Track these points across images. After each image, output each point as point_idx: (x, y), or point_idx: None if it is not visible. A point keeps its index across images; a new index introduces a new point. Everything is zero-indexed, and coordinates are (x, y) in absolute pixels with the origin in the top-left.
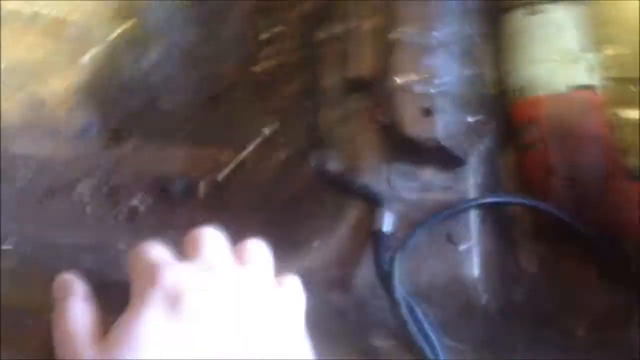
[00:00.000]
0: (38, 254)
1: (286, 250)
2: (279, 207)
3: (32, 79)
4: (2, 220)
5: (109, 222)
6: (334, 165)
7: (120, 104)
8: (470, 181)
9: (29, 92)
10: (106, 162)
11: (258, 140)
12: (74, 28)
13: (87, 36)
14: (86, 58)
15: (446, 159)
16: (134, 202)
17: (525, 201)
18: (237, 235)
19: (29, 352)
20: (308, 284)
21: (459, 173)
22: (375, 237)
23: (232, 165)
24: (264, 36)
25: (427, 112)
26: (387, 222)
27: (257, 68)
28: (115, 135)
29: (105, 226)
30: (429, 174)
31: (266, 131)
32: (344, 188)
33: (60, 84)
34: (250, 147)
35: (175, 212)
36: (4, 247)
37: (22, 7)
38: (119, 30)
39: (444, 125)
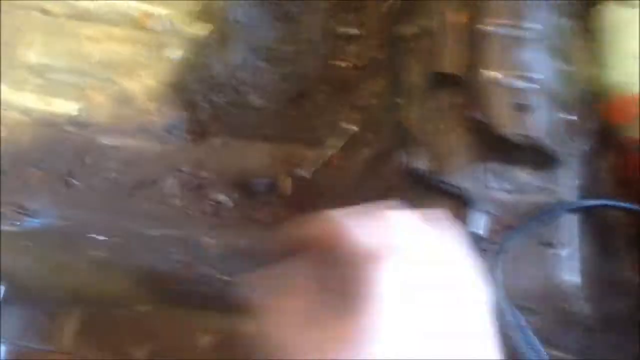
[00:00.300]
0: (127, 245)
1: None
2: (367, 205)
3: (123, 73)
4: (93, 211)
5: (196, 215)
6: (422, 163)
7: (207, 100)
8: (568, 183)
9: (118, 86)
10: (193, 157)
11: (345, 137)
12: (163, 24)
13: (176, 33)
14: (175, 54)
15: (542, 158)
16: (220, 197)
17: (627, 205)
18: None
19: (115, 342)
20: None
21: (556, 174)
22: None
23: (316, 163)
24: (348, 32)
25: (522, 108)
26: (479, 224)
27: (342, 64)
28: (202, 131)
29: (191, 220)
30: (524, 175)
31: (352, 129)
32: (433, 188)
33: (150, 79)
34: (335, 145)
35: (260, 208)
36: (96, 237)
37: (113, 2)
38: (206, 27)
39: (540, 123)
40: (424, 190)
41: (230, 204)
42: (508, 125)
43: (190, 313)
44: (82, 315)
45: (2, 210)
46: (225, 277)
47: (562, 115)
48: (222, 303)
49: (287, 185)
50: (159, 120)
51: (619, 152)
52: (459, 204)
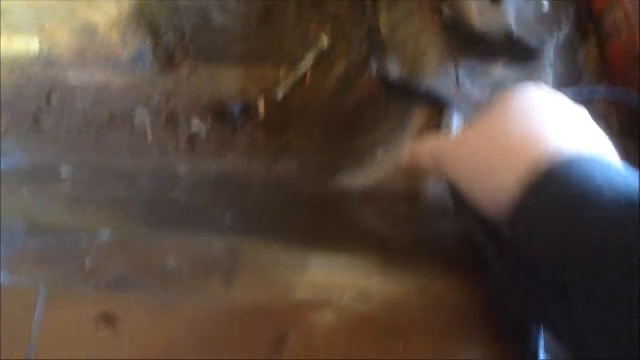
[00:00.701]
0: (96, 178)
1: (349, 164)
2: (341, 121)
3: (83, 5)
4: (62, 150)
5: (170, 147)
6: (396, 70)
7: (171, 26)
8: (548, 75)
9: (80, 19)
10: (163, 88)
11: (315, 53)
12: None
13: None
14: None
15: (520, 51)
16: (194, 129)
17: (611, 93)
18: (300, 150)
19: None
20: (373, 196)
21: (534, 67)
22: None
23: (290, 82)
24: None
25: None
26: (457, 126)
27: None
28: (170, 59)
29: (166, 151)
30: (501, 70)
31: (323, 42)
32: (408, 93)
33: (112, 9)
34: (307, 61)
35: (235, 134)
36: (63, 170)
37: None
38: None
39: (517, 13)
40: (399, 97)
41: (204, 131)
42: (483, 18)
43: (158, 235)
44: (41, 243)
45: None
46: (195, 201)
47: (535, 3)
48: (191, 225)
49: (261, 107)
50: (125, 52)
51: (602, 40)
52: (435, 107)
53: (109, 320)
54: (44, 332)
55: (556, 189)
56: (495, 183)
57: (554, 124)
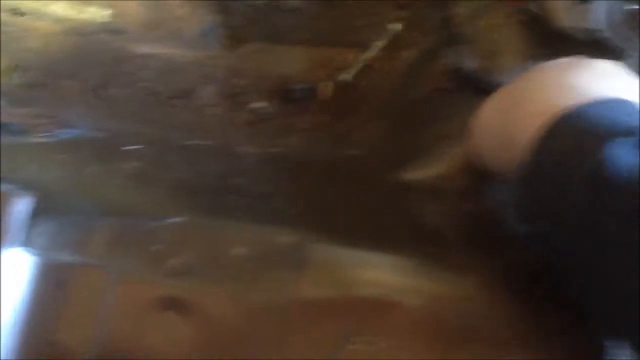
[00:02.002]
0: (162, 156)
1: (414, 156)
2: (407, 110)
3: None
4: (127, 122)
5: (232, 125)
6: (471, 63)
7: (242, 3)
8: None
9: None
10: (228, 65)
11: (386, 38)
12: None
13: None
14: None
15: (603, 51)
16: (257, 105)
17: None
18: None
19: (147, 252)
20: (437, 192)
21: None
22: None
23: (357, 66)
24: None
25: None
26: None
27: None
28: (238, 37)
29: (228, 129)
30: None
31: (394, 28)
32: (481, 88)
33: None
34: (378, 46)
35: (299, 116)
36: (129, 147)
37: None
38: None
39: (604, 13)
40: (473, 91)
41: (267, 111)
42: (565, 17)
43: (225, 224)
44: (113, 226)
45: (36, 122)
46: (259, 188)
47: (625, 5)
48: (257, 214)
49: (327, 90)
50: (193, 27)
51: None
52: None
53: (176, 305)
54: (112, 313)
55: (568, 132)
56: (513, 139)
57: (578, 79)
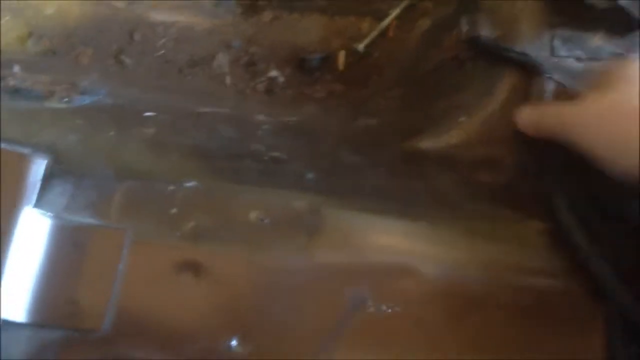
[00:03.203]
0: (177, 122)
1: (428, 126)
2: (422, 79)
3: None
4: (144, 89)
5: (248, 93)
6: (487, 31)
7: None
8: None
9: None
10: (244, 33)
11: (402, 6)
12: None
13: None
14: None
15: (620, 21)
16: (272, 73)
17: None
18: (380, 108)
19: (163, 215)
20: (453, 160)
21: (633, 39)
22: None
23: (372, 36)
24: None
25: None
26: (548, 95)
27: None
28: (253, 5)
29: (243, 97)
30: (598, 40)
31: None
32: (498, 57)
33: None
34: (393, 15)
35: (313, 84)
36: (146, 114)
37: None
38: None
39: None
40: (488, 60)
41: (283, 80)
42: None
43: (241, 188)
44: (130, 189)
45: (53, 88)
46: (275, 154)
47: None
48: (273, 179)
49: (341, 59)
50: None
51: None
52: (525, 73)
53: (192, 267)
54: (128, 275)
55: None
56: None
57: None
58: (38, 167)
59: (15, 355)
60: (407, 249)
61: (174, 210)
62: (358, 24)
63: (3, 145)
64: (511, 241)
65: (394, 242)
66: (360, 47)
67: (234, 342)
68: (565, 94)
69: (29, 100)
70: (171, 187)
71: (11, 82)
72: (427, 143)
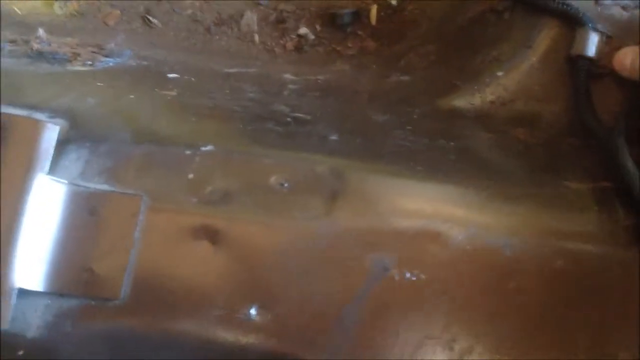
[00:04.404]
0: (200, 84)
1: (464, 82)
2: (458, 33)
3: None
4: (171, 50)
5: (277, 51)
6: None
7: None
8: None
9: None
10: None
11: None
12: None
13: None
14: None
15: None
16: (302, 30)
17: None
18: (413, 64)
19: (182, 180)
20: (489, 118)
21: None
22: (576, 63)
23: None
24: None
25: None
26: (592, 46)
27: None
28: None
29: (272, 55)
30: None
31: None
32: (538, 6)
33: None
34: None
35: (345, 42)
36: (170, 75)
37: None
38: None
39: None
40: (527, 10)
41: (313, 37)
42: None
43: (262, 152)
44: (148, 153)
45: (78, 51)
46: (298, 114)
47: None
48: (295, 141)
49: (373, 14)
50: None
51: None
52: (567, 23)
53: (209, 234)
54: (145, 241)
55: None
56: None
57: None
58: (51, 133)
59: (33, 324)
60: (433, 213)
61: (191, 175)
62: None
63: (17, 111)
64: (547, 204)
65: (419, 206)
66: (393, 0)
67: (252, 311)
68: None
69: (51, 64)
70: (188, 152)
71: (35, 45)
72: (462, 100)
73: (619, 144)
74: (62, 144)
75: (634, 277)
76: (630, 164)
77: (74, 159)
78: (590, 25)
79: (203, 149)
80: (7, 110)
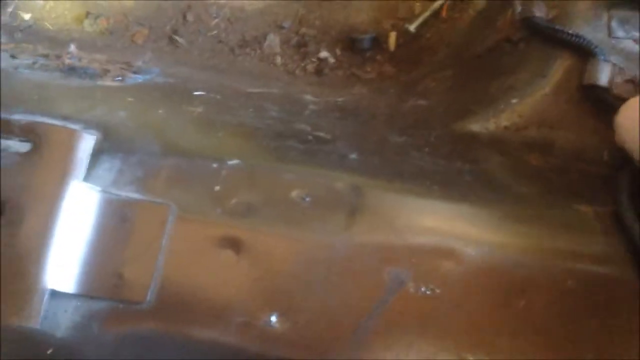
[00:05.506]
0: (226, 101)
1: (479, 107)
2: (475, 60)
3: None
4: (196, 69)
5: (298, 73)
6: (541, 11)
7: None
8: None
9: None
10: (295, 14)
11: None
12: None
13: None
14: None
15: None
16: (322, 54)
17: None
18: (430, 89)
19: (207, 194)
20: (503, 142)
21: None
22: (590, 93)
23: (424, 16)
24: None
25: None
26: (604, 76)
27: None
28: None
29: (292, 77)
30: None
31: None
32: (552, 38)
33: None
34: None
35: (363, 65)
36: (196, 93)
37: None
38: None
39: None
40: (542, 41)
41: (333, 60)
42: None
43: (284, 167)
44: (177, 165)
45: (108, 67)
46: (319, 133)
47: None
48: (317, 158)
49: (392, 40)
50: None
51: None
52: (580, 55)
53: (233, 243)
54: (171, 249)
55: None
56: None
57: None
58: (87, 143)
59: (62, 324)
60: (448, 231)
61: (217, 188)
62: (410, 4)
63: (54, 122)
64: (558, 225)
65: (435, 224)
66: (412, 27)
67: (273, 318)
68: (623, 77)
69: (82, 79)
70: (215, 165)
71: (67, 60)
72: (477, 125)
73: None
74: (96, 154)
75: (636, 295)
76: None
77: (107, 169)
78: (602, 57)
79: (229, 162)
80: (43, 119)
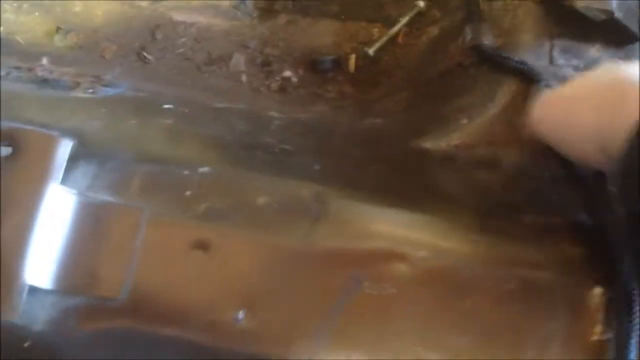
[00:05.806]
0: (194, 115)
1: (432, 127)
2: (429, 83)
3: None
4: (164, 84)
5: (262, 91)
6: (489, 39)
7: None
8: None
9: None
10: (260, 35)
11: (411, 14)
12: None
13: None
14: None
15: (618, 34)
16: (286, 73)
17: None
18: (387, 109)
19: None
20: (454, 159)
21: (630, 51)
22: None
23: (382, 40)
24: None
25: None
26: None
27: None
28: (269, 8)
29: (258, 95)
30: (595, 51)
31: (420, 4)
32: (499, 64)
33: None
34: (403, 21)
35: (324, 85)
36: (165, 106)
37: None
38: None
39: None
40: (490, 67)
41: (296, 80)
42: None
43: (251, 176)
44: (149, 172)
45: (79, 80)
46: (284, 146)
47: None
48: (281, 169)
49: (352, 62)
50: None
51: None
52: (525, 81)
53: (202, 246)
54: (144, 249)
55: None
56: (605, 132)
57: None
58: (65, 148)
59: (40, 319)
60: (402, 237)
61: (188, 193)
62: (369, 29)
63: (33, 127)
64: (502, 235)
65: (391, 230)
66: (371, 51)
67: (240, 315)
68: None
69: (56, 89)
70: (186, 172)
71: (40, 72)
72: (430, 143)
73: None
74: (73, 159)
75: (575, 299)
76: None
77: (83, 174)
78: (544, 82)
79: (200, 170)
80: (22, 126)
